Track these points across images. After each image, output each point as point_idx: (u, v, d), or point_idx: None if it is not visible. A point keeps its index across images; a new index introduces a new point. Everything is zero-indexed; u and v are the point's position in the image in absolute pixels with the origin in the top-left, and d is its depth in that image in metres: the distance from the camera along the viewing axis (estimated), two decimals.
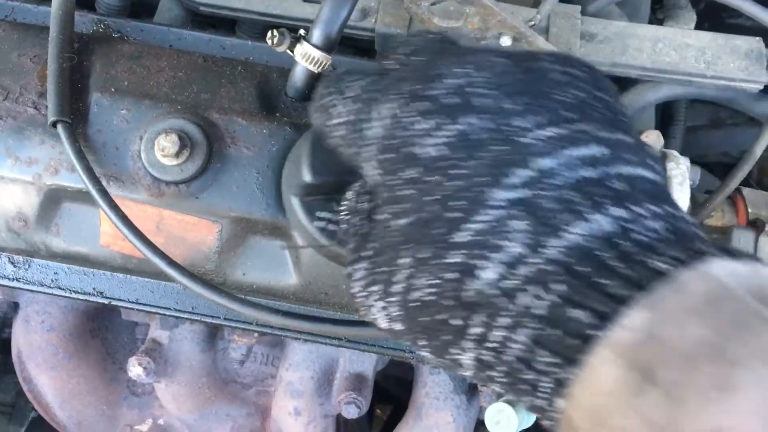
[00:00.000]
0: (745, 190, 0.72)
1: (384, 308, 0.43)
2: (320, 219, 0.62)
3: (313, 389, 0.91)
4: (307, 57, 0.65)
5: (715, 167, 0.94)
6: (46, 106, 0.66)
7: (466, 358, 0.41)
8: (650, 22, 0.89)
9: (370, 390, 0.90)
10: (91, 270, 0.73)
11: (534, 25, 0.75)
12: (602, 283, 0.36)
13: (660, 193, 0.42)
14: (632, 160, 0.42)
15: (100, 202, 0.62)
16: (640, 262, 0.36)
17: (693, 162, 0.69)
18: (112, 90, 0.69)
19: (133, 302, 0.74)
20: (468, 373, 0.42)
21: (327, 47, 0.65)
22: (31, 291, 0.75)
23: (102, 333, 0.97)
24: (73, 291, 0.74)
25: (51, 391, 0.94)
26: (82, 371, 0.94)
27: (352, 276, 0.46)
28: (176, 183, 0.67)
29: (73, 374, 0.94)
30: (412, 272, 0.41)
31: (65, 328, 0.92)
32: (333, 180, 0.60)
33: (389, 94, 0.45)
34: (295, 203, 0.63)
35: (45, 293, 0.75)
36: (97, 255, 0.72)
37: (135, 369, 0.87)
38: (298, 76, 0.68)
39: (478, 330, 0.39)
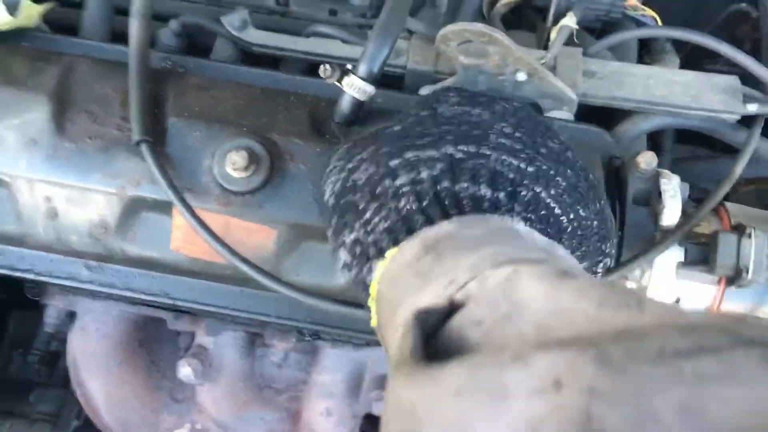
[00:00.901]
0: (728, 204, 0.84)
1: (332, 183, 0.65)
2: None
3: (343, 391, 1.00)
4: (354, 87, 0.77)
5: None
6: (129, 129, 0.77)
7: (349, 239, 0.61)
8: None
9: None
10: (160, 274, 0.83)
11: (544, 63, 0.88)
12: (440, 203, 0.57)
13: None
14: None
15: (182, 210, 0.73)
16: (464, 198, 0.58)
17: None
18: (186, 115, 0.80)
19: (194, 302, 0.84)
20: (341, 256, 0.62)
21: (371, 79, 0.77)
22: (103, 293, 0.84)
23: (148, 343, 1.06)
24: (142, 292, 0.84)
25: (101, 396, 1.02)
26: (129, 377, 1.03)
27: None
28: (243, 193, 0.77)
29: (121, 380, 1.02)
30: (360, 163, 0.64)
31: (117, 336, 1.01)
32: None
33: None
34: None
35: (116, 294, 0.84)
36: (166, 259, 0.82)
37: (184, 370, 0.96)
38: (345, 104, 0.79)
39: (368, 215, 0.59)
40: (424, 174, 0.59)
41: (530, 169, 0.61)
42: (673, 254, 0.79)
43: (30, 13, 0.88)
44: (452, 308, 0.44)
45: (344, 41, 0.92)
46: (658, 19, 1.05)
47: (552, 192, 0.61)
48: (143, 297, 0.84)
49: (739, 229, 0.76)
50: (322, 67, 0.79)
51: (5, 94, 0.80)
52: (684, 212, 0.80)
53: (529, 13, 1.06)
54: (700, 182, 1.05)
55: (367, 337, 0.89)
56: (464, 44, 0.83)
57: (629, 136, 0.91)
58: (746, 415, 0.28)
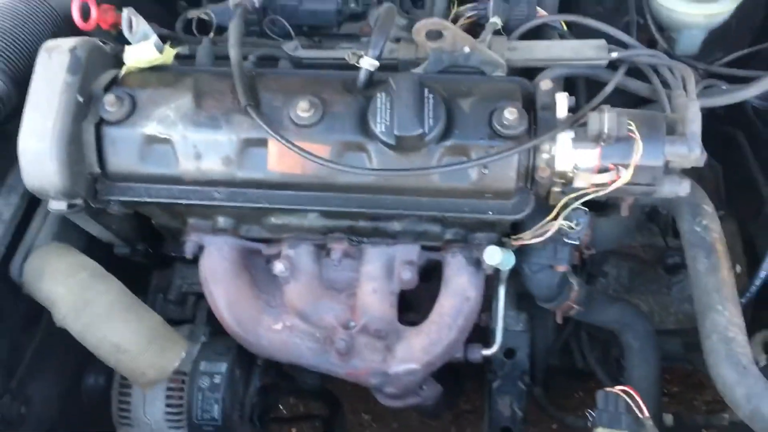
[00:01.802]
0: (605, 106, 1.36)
1: None
2: None
3: (382, 274, 1.51)
4: (367, 63, 1.34)
5: None
6: (238, 101, 1.33)
7: None
8: None
9: (416, 267, 1.49)
10: (262, 190, 1.37)
11: (482, 41, 1.44)
12: None
13: None
14: None
15: (278, 138, 1.27)
16: None
17: None
18: (271, 89, 1.36)
19: (284, 204, 1.37)
20: None
21: (376, 58, 1.33)
22: (228, 206, 1.38)
23: (249, 268, 1.57)
24: (251, 202, 1.37)
25: (222, 300, 1.53)
26: (240, 288, 1.54)
27: None
28: (308, 126, 1.32)
29: (235, 288, 1.53)
30: None
31: (230, 258, 1.53)
32: None
33: None
34: None
35: (237, 206, 1.38)
36: (266, 177, 1.36)
37: (279, 265, 1.48)
38: (362, 75, 1.35)
39: None
40: None
41: None
42: (567, 134, 1.31)
43: (169, 54, 1.47)
44: None
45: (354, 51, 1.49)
46: (564, 24, 1.62)
47: None
48: (251, 205, 1.37)
49: (600, 110, 1.28)
50: (347, 55, 1.37)
51: (166, 91, 1.37)
52: (572, 110, 1.33)
53: (479, 28, 1.64)
54: None
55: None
56: (429, 33, 1.40)
57: (537, 81, 1.44)
58: None
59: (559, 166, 1.31)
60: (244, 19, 1.49)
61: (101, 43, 1.43)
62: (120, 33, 1.48)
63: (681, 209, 1.46)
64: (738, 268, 1.72)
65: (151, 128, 1.35)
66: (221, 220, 1.50)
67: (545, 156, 1.32)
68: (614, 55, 1.45)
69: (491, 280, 1.54)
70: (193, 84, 1.39)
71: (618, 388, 1.36)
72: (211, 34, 1.60)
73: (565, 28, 1.63)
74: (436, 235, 1.49)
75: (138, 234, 1.63)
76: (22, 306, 1.57)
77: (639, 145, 1.27)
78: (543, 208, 1.40)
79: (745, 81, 1.62)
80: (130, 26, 1.42)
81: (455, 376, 1.97)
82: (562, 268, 1.50)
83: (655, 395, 1.60)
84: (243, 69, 1.37)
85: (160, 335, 1.43)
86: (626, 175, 1.29)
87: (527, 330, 1.79)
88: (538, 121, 1.33)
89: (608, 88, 1.40)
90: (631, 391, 1.35)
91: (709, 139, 1.32)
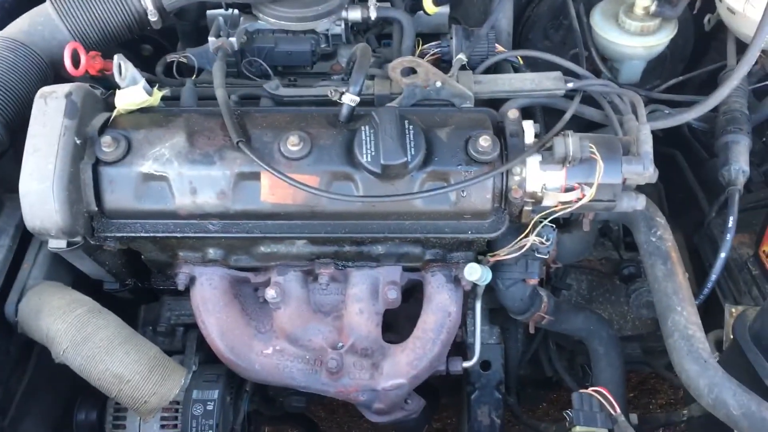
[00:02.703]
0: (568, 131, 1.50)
1: None
2: None
3: (368, 295, 1.61)
4: (349, 99, 1.44)
5: None
6: (229, 138, 1.42)
7: None
8: None
9: (399, 287, 1.59)
10: (254, 221, 1.46)
11: (452, 76, 1.56)
12: None
13: None
14: None
15: (270, 170, 1.37)
16: None
17: None
18: (259, 126, 1.46)
19: (275, 233, 1.46)
20: None
21: (356, 94, 1.44)
22: (223, 238, 1.46)
23: (239, 296, 1.65)
24: (245, 232, 1.46)
25: (215, 328, 1.60)
26: (231, 315, 1.61)
27: None
28: (297, 159, 1.42)
29: (226, 317, 1.61)
30: None
31: (221, 288, 1.61)
32: None
33: None
34: None
35: (232, 237, 1.46)
36: (258, 208, 1.44)
37: (270, 292, 1.56)
38: (345, 110, 1.46)
39: None
40: None
41: None
42: (535, 158, 1.44)
43: (157, 96, 1.55)
44: None
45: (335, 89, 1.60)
46: (520, 59, 1.77)
47: None
48: (247, 236, 1.46)
49: (563, 135, 1.42)
50: (329, 92, 1.47)
51: (159, 131, 1.45)
52: (537, 136, 1.46)
53: (443, 64, 1.77)
54: None
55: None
56: (403, 70, 1.52)
57: (505, 111, 1.58)
58: None
59: (530, 186, 1.44)
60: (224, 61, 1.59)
61: (92, 88, 1.50)
62: (99, 77, 1.56)
63: (637, 222, 1.61)
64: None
65: (148, 167, 1.42)
66: (212, 252, 1.57)
67: (517, 178, 1.45)
68: (570, 85, 1.60)
69: (466, 297, 1.65)
70: (184, 124, 1.47)
71: (591, 389, 1.48)
72: (193, 76, 1.69)
73: (521, 62, 1.78)
74: (417, 256, 1.60)
75: (128, 269, 1.68)
76: (13, 346, 1.60)
77: (600, 165, 1.41)
78: (513, 226, 1.52)
79: (682, 105, 1.80)
80: (120, 71, 1.50)
81: (433, 392, 2.07)
82: (533, 281, 1.63)
83: (622, 396, 1.73)
84: (230, 108, 1.46)
85: (160, 364, 1.49)
86: (590, 193, 1.42)
87: (500, 342, 1.91)
88: (508, 147, 1.46)
89: (567, 116, 1.54)
90: (604, 391, 1.47)
91: None
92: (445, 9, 1.85)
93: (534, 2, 2.05)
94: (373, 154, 1.40)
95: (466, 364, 1.69)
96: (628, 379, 2.63)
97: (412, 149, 1.40)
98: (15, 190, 1.39)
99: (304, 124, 1.47)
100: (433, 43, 1.75)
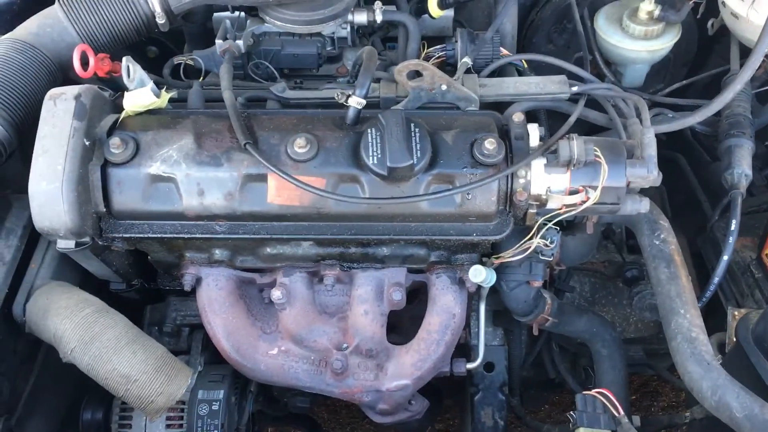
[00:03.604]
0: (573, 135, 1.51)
1: None
2: None
3: (373, 296, 1.62)
4: (355, 102, 1.45)
5: None
6: (237, 140, 1.43)
7: None
8: None
9: (404, 289, 1.60)
10: (260, 222, 1.47)
11: (457, 79, 1.58)
12: None
13: None
14: None
15: (278, 172, 1.38)
16: None
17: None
18: (266, 129, 1.47)
19: (281, 234, 1.47)
20: None
21: (363, 97, 1.45)
22: (230, 239, 1.47)
23: (244, 297, 1.66)
24: (252, 233, 1.47)
25: (221, 329, 1.61)
26: (237, 316, 1.62)
27: None
28: (304, 161, 1.43)
29: (232, 317, 1.62)
30: None
31: (227, 289, 1.62)
32: None
33: None
34: None
35: (238, 238, 1.47)
36: (265, 210, 1.45)
37: (275, 294, 1.57)
38: (351, 112, 1.47)
39: None
40: None
41: None
42: (540, 161, 1.45)
43: (164, 98, 1.56)
44: None
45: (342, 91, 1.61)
46: (525, 62, 1.78)
47: None
48: (254, 237, 1.47)
49: (568, 138, 1.43)
50: (336, 94, 1.48)
51: (167, 133, 1.46)
52: (542, 139, 1.47)
53: (448, 67, 1.78)
54: None
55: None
56: (409, 73, 1.53)
57: (510, 114, 1.59)
58: None
59: (535, 189, 1.45)
60: (232, 64, 1.60)
61: (100, 90, 1.52)
62: (107, 79, 1.57)
63: (641, 225, 1.62)
64: None
65: (156, 168, 1.43)
66: (218, 253, 1.59)
67: (522, 181, 1.46)
68: (575, 89, 1.61)
69: (470, 299, 1.66)
70: (191, 125, 1.48)
71: (595, 391, 1.49)
72: (200, 79, 1.70)
73: (525, 65, 1.79)
74: (422, 258, 1.61)
75: (135, 269, 1.69)
76: (21, 346, 1.61)
77: (604, 169, 1.42)
78: (517, 228, 1.54)
79: (685, 108, 1.81)
80: (128, 73, 1.51)
81: (436, 393, 2.08)
82: (537, 283, 1.64)
83: (625, 398, 1.74)
84: (237, 110, 1.47)
85: (167, 364, 1.50)
86: (594, 196, 1.43)
87: (504, 344, 1.92)
88: (513, 150, 1.47)
89: (572, 119, 1.55)
90: (607, 393, 1.48)
91: None
92: (450, 12, 1.86)
93: (538, 6, 2.06)
94: (379, 156, 1.41)
95: (469, 366, 1.70)
96: (630, 381, 2.64)
97: (418, 152, 1.41)
98: (23, 190, 1.40)
99: (311, 127, 1.48)
100: (438, 47, 1.76)
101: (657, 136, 1.50)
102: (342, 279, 1.64)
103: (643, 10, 1.79)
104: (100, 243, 1.48)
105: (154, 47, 2.12)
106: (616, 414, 1.47)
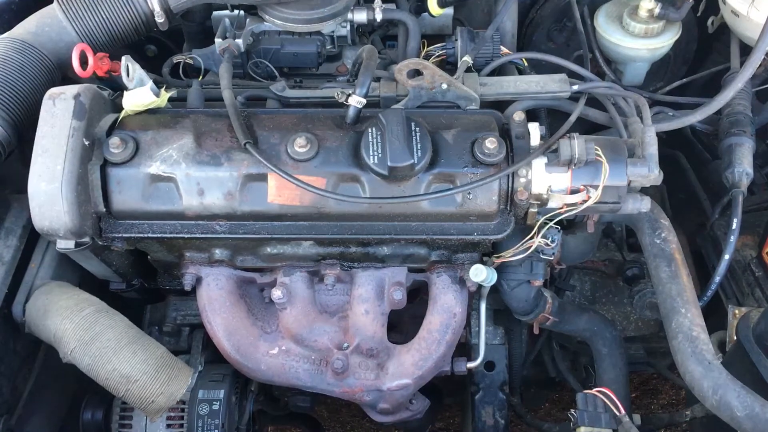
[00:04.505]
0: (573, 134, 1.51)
1: None
2: None
3: (374, 296, 1.61)
4: (355, 101, 1.45)
5: None
6: (237, 140, 1.42)
7: None
8: None
9: (405, 288, 1.60)
10: (260, 222, 1.46)
11: (457, 79, 1.57)
12: None
13: None
14: None
15: (278, 172, 1.37)
16: None
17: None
18: (266, 128, 1.46)
19: (286, 234, 1.47)
20: None
21: (363, 96, 1.45)
22: (230, 239, 1.47)
23: (244, 297, 1.66)
24: (252, 233, 1.46)
25: (221, 328, 1.61)
26: (237, 315, 1.62)
27: None
28: (304, 161, 1.42)
29: (232, 317, 1.61)
30: None
31: (227, 288, 1.62)
32: None
33: None
34: None
35: (239, 238, 1.46)
36: (265, 209, 1.45)
37: (276, 293, 1.56)
38: (351, 111, 1.47)
39: None
40: None
41: None
42: (541, 160, 1.45)
43: (164, 97, 1.56)
44: None
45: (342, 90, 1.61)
46: (525, 61, 1.78)
47: None
48: (255, 236, 1.46)
49: (569, 137, 1.43)
50: (336, 93, 1.48)
51: (167, 132, 1.46)
52: (543, 138, 1.47)
53: (448, 65, 1.78)
54: None
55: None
56: (409, 72, 1.53)
57: (510, 113, 1.58)
58: None
59: (536, 188, 1.45)
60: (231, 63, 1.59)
61: (100, 89, 1.51)
62: (106, 78, 1.57)
63: (641, 224, 1.62)
64: None
65: (155, 168, 1.43)
66: (218, 252, 1.58)
67: (522, 180, 1.45)
68: (575, 87, 1.61)
69: (471, 298, 1.66)
70: (191, 125, 1.48)
71: (595, 390, 1.49)
72: (200, 78, 1.70)
73: (525, 64, 1.79)
74: (422, 257, 1.60)
75: (134, 269, 1.69)
76: (20, 345, 1.61)
77: (605, 168, 1.42)
78: (518, 228, 1.53)
79: (685, 107, 1.81)
80: (128, 73, 1.51)
81: (437, 392, 2.08)
82: (538, 282, 1.64)
83: (625, 396, 1.74)
84: (237, 109, 1.46)
85: (167, 364, 1.49)
86: (595, 195, 1.43)
87: (504, 343, 1.92)
88: (514, 149, 1.47)
89: (572, 118, 1.55)
90: (608, 392, 1.48)
91: None
92: (450, 10, 1.86)
93: (538, 4, 2.06)
94: (379, 155, 1.40)
95: (470, 365, 1.70)
96: (630, 379, 2.65)
97: (419, 151, 1.41)
98: (22, 190, 1.40)
99: (311, 126, 1.48)
100: (438, 45, 1.76)
101: (657, 134, 1.50)
102: (342, 278, 1.63)
103: (644, 8, 1.79)
104: (99, 243, 1.47)
105: (153, 46, 2.11)
106: (617, 413, 1.47)
